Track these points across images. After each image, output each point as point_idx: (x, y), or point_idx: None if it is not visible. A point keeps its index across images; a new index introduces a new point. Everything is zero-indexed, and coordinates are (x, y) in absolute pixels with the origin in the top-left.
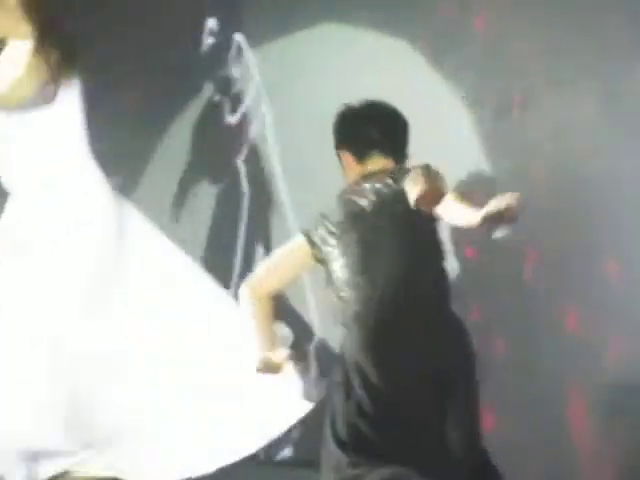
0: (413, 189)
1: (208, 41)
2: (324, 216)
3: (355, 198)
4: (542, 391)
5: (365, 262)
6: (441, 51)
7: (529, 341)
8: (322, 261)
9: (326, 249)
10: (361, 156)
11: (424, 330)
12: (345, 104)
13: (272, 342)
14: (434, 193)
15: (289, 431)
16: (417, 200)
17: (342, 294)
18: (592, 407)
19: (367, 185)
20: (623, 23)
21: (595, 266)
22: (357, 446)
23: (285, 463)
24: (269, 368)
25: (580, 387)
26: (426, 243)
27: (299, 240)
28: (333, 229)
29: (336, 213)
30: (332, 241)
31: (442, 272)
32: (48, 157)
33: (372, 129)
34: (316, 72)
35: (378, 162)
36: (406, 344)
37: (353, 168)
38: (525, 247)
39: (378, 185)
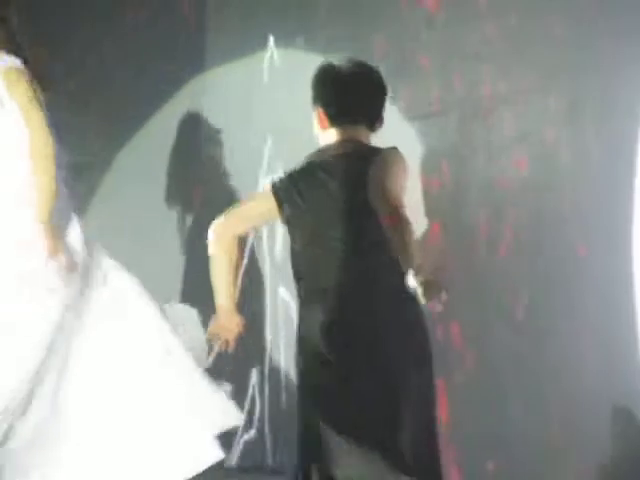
0: (382, 207)
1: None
2: (292, 178)
3: (320, 172)
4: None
5: (320, 238)
6: (398, 65)
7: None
8: (285, 221)
9: (287, 210)
10: (334, 118)
11: (376, 314)
12: (328, 61)
13: (233, 293)
14: (400, 218)
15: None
16: (384, 220)
17: (298, 268)
18: (555, 399)
19: (335, 160)
20: (584, 35)
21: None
22: (327, 414)
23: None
24: (221, 332)
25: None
26: (383, 231)
27: (268, 194)
28: (296, 195)
29: (302, 178)
30: (292, 206)
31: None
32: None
33: (350, 94)
34: (262, 95)
35: (350, 129)
36: (356, 327)
37: (325, 127)
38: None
39: (345, 163)
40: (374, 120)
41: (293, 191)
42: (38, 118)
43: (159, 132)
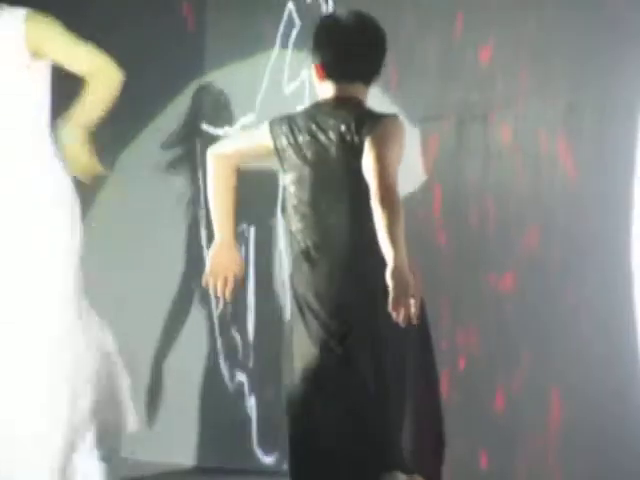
0: (374, 184)
1: None
2: (290, 123)
3: (317, 131)
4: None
5: (314, 195)
6: (398, 68)
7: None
8: (282, 170)
9: (283, 156)
10: (329, 70)
11: (373, 284)
12: (331, 13)
13: (232, 226)
14: (391, 201)
15: None
16: (374, 199)
17: (292, 226)
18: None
19: (332, 120)
20: (582, 38)
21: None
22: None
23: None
24: (220, 269)
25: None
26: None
27: (264, 135)
28: (295, 149)
29: (302, 134)
30: (287, 153)
31: None
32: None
33: (346, 46)
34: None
35: (347, 86)
36: (352, 294)
37: (322, 78)
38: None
39: (343, 127)
40: (372, 76)
41: (292, 143)
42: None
43: (162, 134)
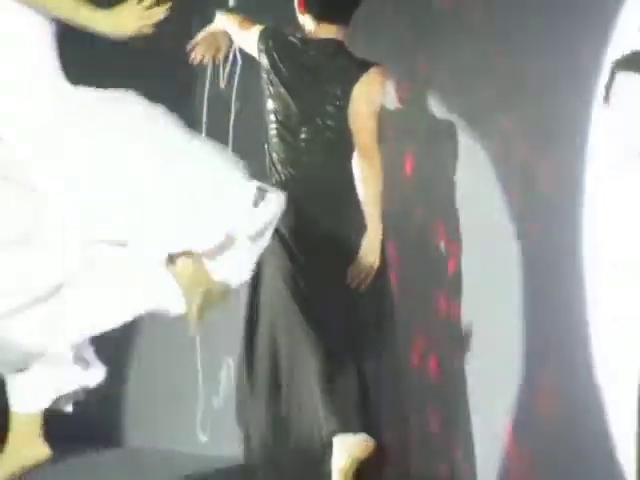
0: (359, 136)
1: None
2: (281, 49)
3: (305, 72)
4: None
5: (299, 129)
6: None
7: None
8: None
9: (266, 76)
10: (310, 9)
11: (343, 222)
12: None
13: (229, 24)
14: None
15: None
16: (357, 150)
17: (273, 155)
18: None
19: (320, 64)
20: (550, 45)
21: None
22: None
23: None
24: (207, 39)
25: None
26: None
27: (253, 44)
28: (279, 71)
29: (289, 60)
30: (271, 77)
31: None
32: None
33: None
34: None
35: (328, 27)
36: (322, 229)
37: (302, 13)
38: None
39: (331, 74)
40: (350, 17)
41: (278, 71)
42: None
43: None
